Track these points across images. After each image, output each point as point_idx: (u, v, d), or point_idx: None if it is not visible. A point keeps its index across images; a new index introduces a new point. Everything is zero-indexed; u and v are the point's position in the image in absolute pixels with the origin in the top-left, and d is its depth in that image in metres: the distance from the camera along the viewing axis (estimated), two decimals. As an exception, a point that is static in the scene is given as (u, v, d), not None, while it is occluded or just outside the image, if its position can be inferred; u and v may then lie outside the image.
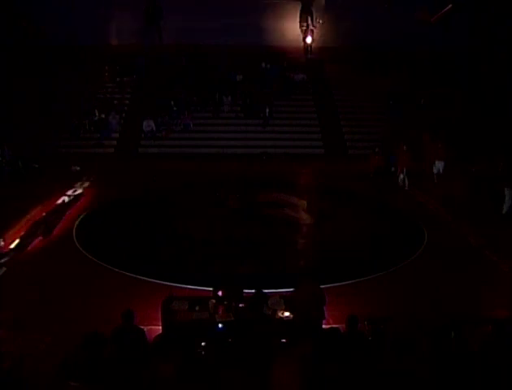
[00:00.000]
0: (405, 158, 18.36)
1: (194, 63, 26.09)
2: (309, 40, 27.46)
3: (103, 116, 23.50)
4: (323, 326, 8.09)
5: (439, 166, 18.55)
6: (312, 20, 27.40)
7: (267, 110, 24.48)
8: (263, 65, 26.68)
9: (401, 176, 18.39)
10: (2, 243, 12.46)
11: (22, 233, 13.10)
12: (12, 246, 12.46)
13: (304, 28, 27.47)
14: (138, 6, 26.37)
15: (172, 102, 24.40)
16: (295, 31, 27.96)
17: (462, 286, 10.71)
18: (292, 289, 8.53)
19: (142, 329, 7.18)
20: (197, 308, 8.22)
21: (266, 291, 8.56)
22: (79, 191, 17.10)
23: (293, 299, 8.22)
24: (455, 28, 25.29)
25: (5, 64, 23.17)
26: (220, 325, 7.91)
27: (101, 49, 25.03)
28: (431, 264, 11.97)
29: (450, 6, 24.84)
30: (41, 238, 13.12)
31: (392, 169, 19.22)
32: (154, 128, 23.53)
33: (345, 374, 5.91)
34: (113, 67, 25.52)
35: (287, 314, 8.14)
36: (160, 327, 8.21)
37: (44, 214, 14.57)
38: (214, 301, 8.31)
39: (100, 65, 25.00)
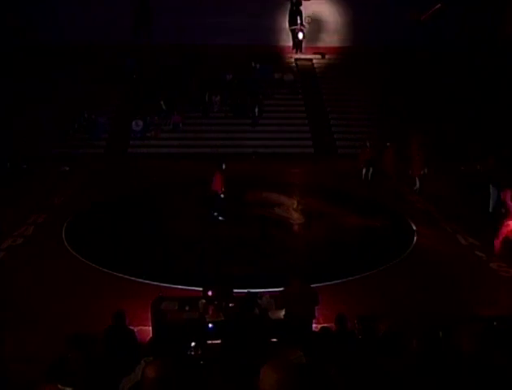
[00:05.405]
0: (418, 163, 17.75)
1: (185, 63, 26.01)
2: (300, 36, 27.63)
3: (93, 117, 23.38)
4: (313, 325, 8.10)
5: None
6: (301, 19, 27.50)
7: (257, 110, 24.45)
8: (253, 65, 26.65)
9: (418, 182, 17.81)
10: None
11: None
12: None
13: (293, 26, 27.59)
14: (128, 6, 26.34)
15: (162, 102, 24.34)
16: (284, 30, 28.11)
17: (451, 285, 10.79)
18: (281, 288, 8.52)
19: (132, 329, 7.15)
20: (187, 308, 8.20)
21: (256, 291, 8.55)
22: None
23: (282, 298, 8.21)
24: (454, 28, 25.50)
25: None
26: (210, 325, 7.90)
27: (90, 49, 24.90)
28: (420, 263, 12.03)
29: (439, 5, 24.99)
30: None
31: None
32: (144, 128, 23.46)
33: (339, 374, 5.90)
34: (103, 67, 25.38)
35: (277, 313, 8.14)
36: (150, 328, 8.18)
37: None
38: (204, 301, 8.29)
39: (89, 65, 24.86)
